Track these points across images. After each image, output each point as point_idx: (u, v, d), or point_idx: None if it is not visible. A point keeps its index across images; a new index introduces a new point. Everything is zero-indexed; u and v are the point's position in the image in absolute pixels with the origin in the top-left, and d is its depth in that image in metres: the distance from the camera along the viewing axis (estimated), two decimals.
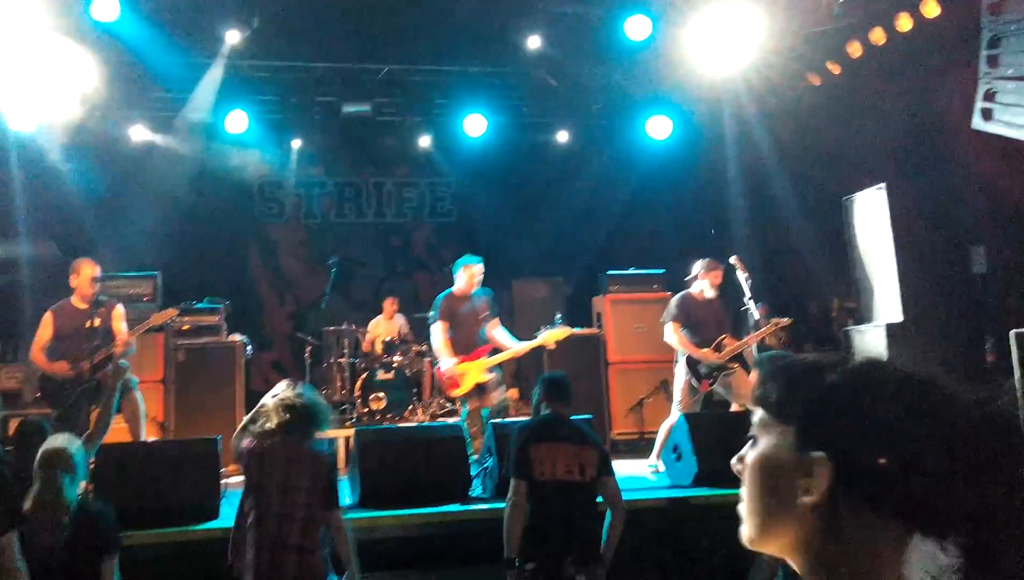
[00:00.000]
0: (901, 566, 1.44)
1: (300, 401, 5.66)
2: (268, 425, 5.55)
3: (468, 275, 9.97)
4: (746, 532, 1.57)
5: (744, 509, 1.58)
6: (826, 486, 1.45)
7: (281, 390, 5.81)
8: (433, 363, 13.04)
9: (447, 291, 10.12)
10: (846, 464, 1.44)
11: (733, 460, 1.63)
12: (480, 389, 9.66)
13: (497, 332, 9.97)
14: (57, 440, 5.21)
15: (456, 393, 9.73)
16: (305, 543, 5.33)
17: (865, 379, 1.51)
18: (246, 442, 5.59)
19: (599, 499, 6.16)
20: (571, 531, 5.88)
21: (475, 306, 9.96)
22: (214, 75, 12.46)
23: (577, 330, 11.01)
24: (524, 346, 9.93)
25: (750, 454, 1.59)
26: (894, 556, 1.44)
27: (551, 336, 9.90)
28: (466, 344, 9.79)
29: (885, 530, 1.43)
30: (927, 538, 1.42)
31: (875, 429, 1.43)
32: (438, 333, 9.84)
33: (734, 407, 9.73)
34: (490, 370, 9.72)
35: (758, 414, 1.61)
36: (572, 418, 6.47)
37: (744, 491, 1.59)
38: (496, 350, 9.88)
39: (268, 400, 5.74)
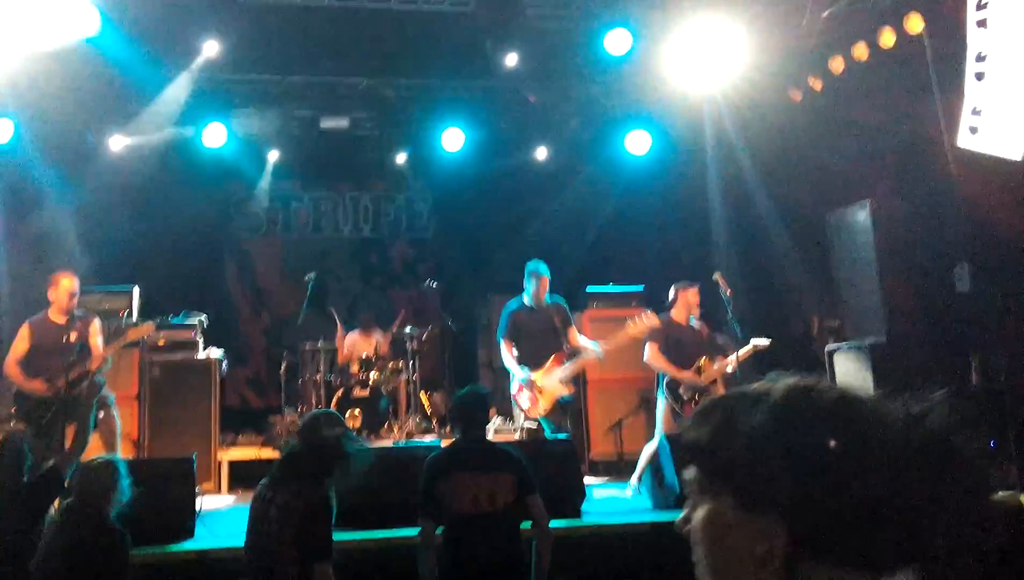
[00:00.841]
0: None
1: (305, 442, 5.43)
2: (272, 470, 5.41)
3: (540, 283, 9.74)
4: None
5: (700, 574, 1.48)
6: (781, 550, 1.36)
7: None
8: (410, 382, 13.01)
9: (513, 305, 9.90)
10: (796, 523, 1.36)
11: (677, 521, 1.54)
12: (562, 406, 9.47)
13: (581, 341, 9.73)
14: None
15: (534, 413, 9.46)
16: None
17: (793, 416, 1.42)
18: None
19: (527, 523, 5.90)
20: (490, 566, 5.62)
21: (547, 316, 9.74)
22: (180, 85, 12.31)
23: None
24: (598, 349, 9.63)
25: (695, 516, 1.49)
26: None
27: (635, 327, 9.54)
28: (538, 357, 9.55)
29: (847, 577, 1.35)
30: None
31: (816, 477, 1.35)
32: (504, 352, 9.64)
33: None
34: (567, 383, 9.47)
35: (691, 471, 1.51)
36: (486, 439, 6.28)
37: (697, 555, 1.49)
38: (575, 354, 9.62)
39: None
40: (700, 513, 1.48)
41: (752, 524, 1.38)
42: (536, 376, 9.41)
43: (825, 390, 1.46)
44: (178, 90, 12.46)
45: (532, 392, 9.38)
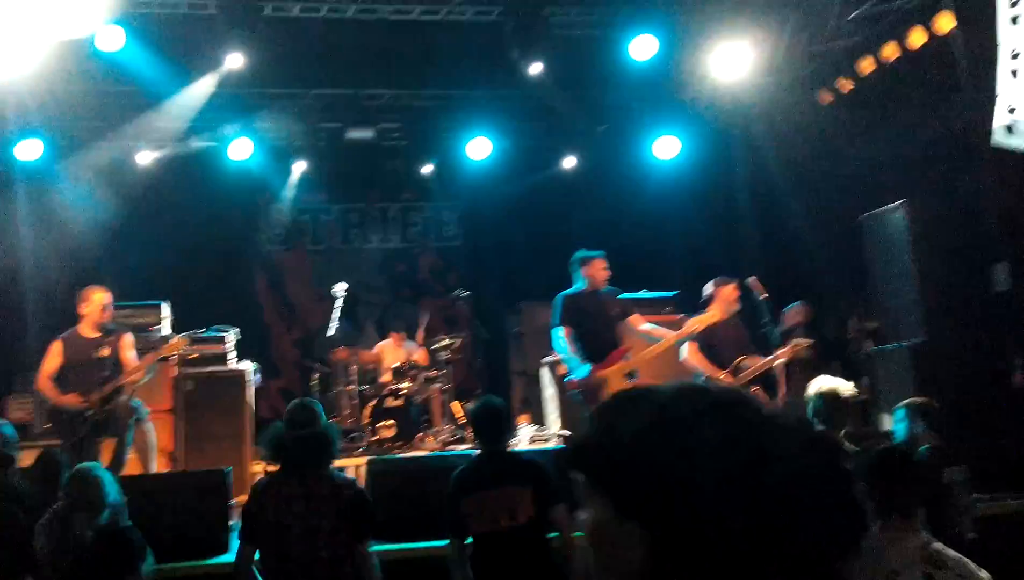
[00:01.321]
0: None
1: (308, 430, 5.43)
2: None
3: (593, 270, 9.32)
4: None
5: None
6: (641, 558, 1.32)
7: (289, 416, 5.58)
8: (443, 392, 12.96)
9: (569, 291, 9.43)
10: (658, 534, 1.32)
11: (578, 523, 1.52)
12: None
13: (646, 327, 9.38)
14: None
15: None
16: None
17: (667, 424, 1.37)
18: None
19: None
20: None
21: (603, 304, 9.33)
22: (206, 98, 12.32)
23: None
24: (668, 338, 9.32)
25: (582, 519, 1.46)
26: None
27: (699, 321, 9.24)
28: (598, 349, 9.10)
29: None
30: None
31: (684, 489, 1.30)
32: (562, 339, 9.15)
33: None
34: (630, 376, 9.04)
35: (578, 475, 1.47)
36: (507, 451, 6.14)
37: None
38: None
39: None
40: (585, 516, 1.45)
41: (622, 531, 1.34)
42: (600, 376, 8.93)
43: (706, 396, 1.42)
44: (203, 103, 12.51)
45: (592, 388, 8.88)
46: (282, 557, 5.23)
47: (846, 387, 6.61)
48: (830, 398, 6.42)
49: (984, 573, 3.76)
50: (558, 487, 5.68)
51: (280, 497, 5.32)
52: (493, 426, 5.97)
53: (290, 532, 5.20)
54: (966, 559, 3.78)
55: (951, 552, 3.84)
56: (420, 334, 13.73)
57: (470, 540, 5.75)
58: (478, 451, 6.09)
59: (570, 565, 5.63)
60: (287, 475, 5.43)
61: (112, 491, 5.18)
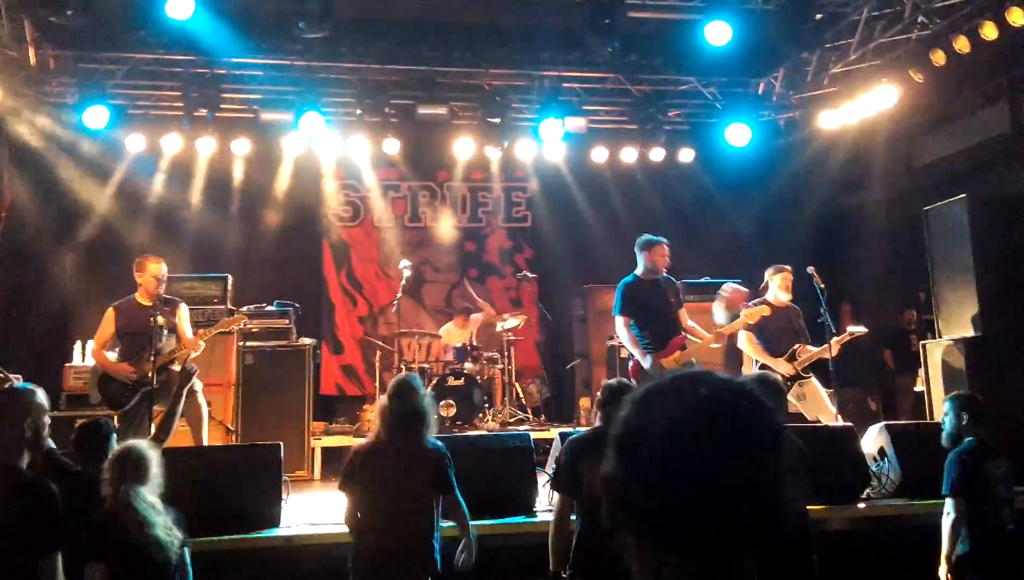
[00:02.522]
0: None
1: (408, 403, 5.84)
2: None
3: (655, 255, 9.29)
4: None
5: None
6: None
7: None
8: (504, 372, 12.92)
9: (629, 278, 9.42)
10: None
11: None
12: None
13: (690, 325, 9.41)
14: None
15: None
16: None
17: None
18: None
19: None
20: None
21: (664, 291, 9.31)
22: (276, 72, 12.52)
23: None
24: (720, 331, 9.50)
25: None
26: None
27: (751, 314, 9.31)
28: (660, 336, 9.14)
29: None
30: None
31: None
32: (623, 328, 9.20)
33: (809, 419, 9.38)
34: (688, 366, 8.67)
35: None
36: None
37: None
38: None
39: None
40: None
41: None
42: (662, 363, 8.93)
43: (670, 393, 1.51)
44: (274, 76, 12.56)
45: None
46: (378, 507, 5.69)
47: None
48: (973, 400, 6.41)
49: None
50: None
51: (380, 456, 5.79)
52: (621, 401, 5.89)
53: (386, 487, 5.69)
54: None
55: None
56: (485, 314, 13.69)
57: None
58: (599, 423, 6.07)
59: None
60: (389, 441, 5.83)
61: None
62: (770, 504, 1.38)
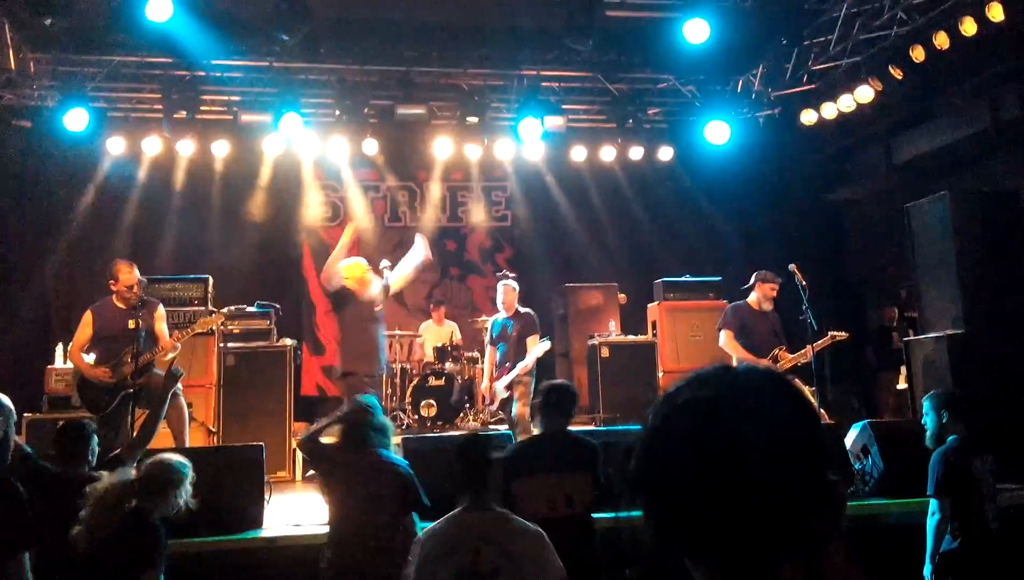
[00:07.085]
0: None
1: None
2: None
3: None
4: None
5: None
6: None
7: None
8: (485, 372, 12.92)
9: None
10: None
11: None
12: None
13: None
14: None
15: None
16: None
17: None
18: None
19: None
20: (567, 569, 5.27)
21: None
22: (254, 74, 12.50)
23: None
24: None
25: None
26: None
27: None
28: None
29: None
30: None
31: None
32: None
33: None
34: None
35: None
36: (568, 431, 5.99)
37: None
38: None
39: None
40: None
41: None
42: None
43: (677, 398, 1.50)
44: (252, 78, 12.56)
45: None
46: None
47: None
48: (951, 397, 6.47)
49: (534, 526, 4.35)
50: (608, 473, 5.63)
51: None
52: (563, 404, 5.92)
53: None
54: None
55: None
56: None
57: None
58: (539, 430, 6.00)
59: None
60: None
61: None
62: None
